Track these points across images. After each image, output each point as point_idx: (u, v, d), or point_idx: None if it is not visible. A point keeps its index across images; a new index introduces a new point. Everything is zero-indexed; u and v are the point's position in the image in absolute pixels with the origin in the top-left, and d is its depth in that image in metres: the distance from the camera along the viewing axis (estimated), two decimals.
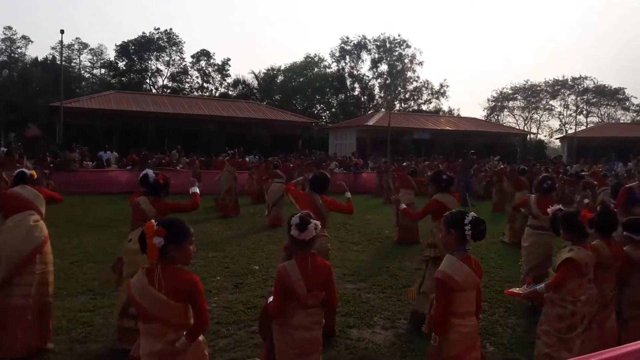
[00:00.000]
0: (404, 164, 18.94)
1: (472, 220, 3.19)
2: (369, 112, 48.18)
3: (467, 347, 3.20)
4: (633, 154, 30.10)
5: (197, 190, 5.23)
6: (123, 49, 50.84)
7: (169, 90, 51.58)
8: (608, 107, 58.93)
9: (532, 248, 6.28)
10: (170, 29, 52.88)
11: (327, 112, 56.87)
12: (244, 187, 17.71)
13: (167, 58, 53.05)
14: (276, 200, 11.97)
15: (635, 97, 58.50)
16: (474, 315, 3.28)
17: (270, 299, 3.32)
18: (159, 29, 52.15)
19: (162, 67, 53.50)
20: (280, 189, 11.94)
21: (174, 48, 52.79)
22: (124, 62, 51.79)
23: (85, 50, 58.90)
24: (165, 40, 52.17)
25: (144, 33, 51.55)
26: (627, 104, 57.88)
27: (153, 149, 25.56)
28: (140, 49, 51.07)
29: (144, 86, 51.72)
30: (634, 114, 57.79)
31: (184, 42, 53.52)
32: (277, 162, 14.37)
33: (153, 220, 2.91)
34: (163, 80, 54.14)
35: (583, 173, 14.95)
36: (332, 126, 43.97)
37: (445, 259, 3.27)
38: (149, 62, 52.47)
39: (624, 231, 4.41)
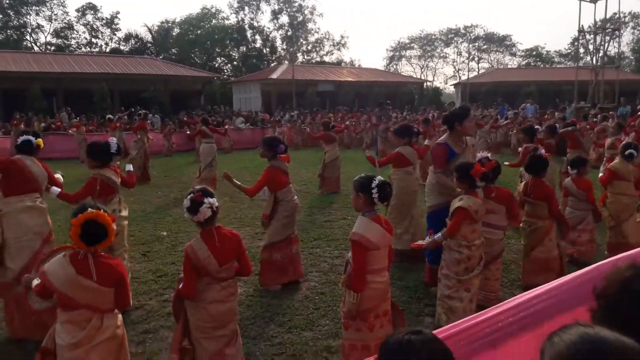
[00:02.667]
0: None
1: (378, 183, 3.31)
2: (272, 65, 47.48)
3: (379, 300, 3.37)
4: (520, 97, 32.37)
5: (132, 169, 5.23)
6: None
7: (53, 48, 47.36)
8: (497, 53, 62.27)
9: None
10: None
11: (229, 65, 55.27)
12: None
13: (48, 12, 48.42)
14: (210, 162, 11.14)
15: (521, 43, 62.52)
16: (386, 270, 3.44)
17: (181, 285, 3.24)
18: None
19: (43, 23, 49.10)
20: (212, 149, 11.27)
21: (55, 1, 48.22)
22: None
23: None
24: None
25: None
26: (514, 49, 61.61)
27: (41, 112, 23.64)
28: (16, 3, 46.00)
29: (24, 44, 47.12)
30: (520, 59, 61.73)
31: None
32: (206, 118, 12.80)
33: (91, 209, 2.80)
34: (46, 37, 49.64)
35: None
36: (235, 80, 42.91)
37: (359, 221, 3.38)
38: (28, 17, 47.66)
39: (568, 166, 5.66)
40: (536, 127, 8.44)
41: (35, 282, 2.94)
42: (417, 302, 4.92)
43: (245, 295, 5.13)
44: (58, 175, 4.82)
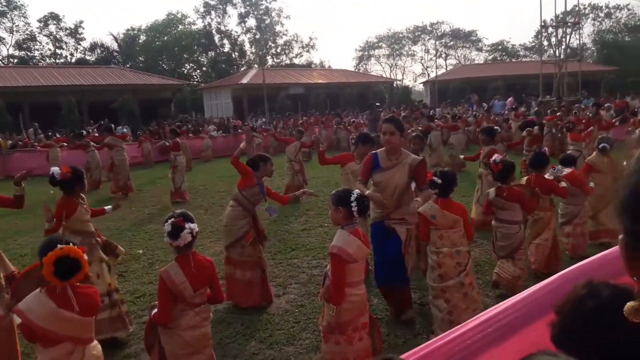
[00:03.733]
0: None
1: (357, 197, 3.41)
2: (242, 69, 47.33)
3: (357, 314, 3.45)
4: (488, 92, 32.94)
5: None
6: None
7: (16, 60, 46.38)
8: (464, 49, 63.44)
9: None
10: None
11: (198, 71, 54.96)
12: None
13: (9, 24, 47.41)
14: (184, 176, 11.27)
15: (487, 38, 63.93)
16: (363, 283, 3.51)
17: (154, 311, 3.26)
18: None
19: (4, 35, 47.84)
20: (184, 162, 11.42)
21: (16, 12, 47.21)
22: None
23: None
24: (4, 4, 46.38)
25: None
26: (480, 44, 62.73)
27: (6, 128, 23.13)
28: None
29: None
30: (487, 54, 62.84)
31: (27, 5, 48.18)
32: (174, 129, 12.94)
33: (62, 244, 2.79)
34: (8, 49, 48.56)
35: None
36: (205, 86, 42.65)
37: (338, 234, 3.46)
38: None
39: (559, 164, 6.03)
40: (495, 127, 8.57)
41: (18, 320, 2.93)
42: (402, 312, 4.98)
43: (225, 312, 5.15)
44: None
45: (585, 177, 6.54)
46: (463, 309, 4.13)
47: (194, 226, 3.18)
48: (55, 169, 4.62)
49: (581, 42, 38.94)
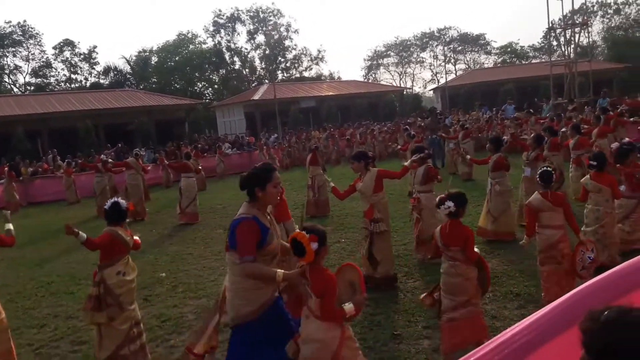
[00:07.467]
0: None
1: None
2: (253, 85, 47.81)
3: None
4: (499, 95, 32.87)
5: (12, 227, 4.98)
6: None
7: (32, 88, 47.47)
8: (472, 53, 63.34)
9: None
10: (24, 20, 48.44)
11: (210, 89, 55.65)
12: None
13: (25, 52, 48.65)
14: (194, 197, 11.42)
15: (495, 41, 63.53)
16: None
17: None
18: (10, 22, 47.58)
19: (20, 63, 49.06)
20: (194, 183, 11.64)
21: (32, 41, 48.44)
22: None
23: None
24: (20, 33, 47.62)
25: None
26: (489, 48, 62.59)
27: (26, 155, 23.65)
28: None
29: (3, 85, 47.18)
30: (496, 57, 62.67)
31: (42, 34, 49.35)
32: (188, 153, 13.56)
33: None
34: (24, 77, 49.74)
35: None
36: (218, 104, 43.13)
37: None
38: (5, 59, 47.85)
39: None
40: (503, 137, 8.60)
41: None
42: (414, 325, 5.04)
43: None
44: (9, 227, 4.92)
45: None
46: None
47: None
48: None
49: (591, 40, 38.74)
